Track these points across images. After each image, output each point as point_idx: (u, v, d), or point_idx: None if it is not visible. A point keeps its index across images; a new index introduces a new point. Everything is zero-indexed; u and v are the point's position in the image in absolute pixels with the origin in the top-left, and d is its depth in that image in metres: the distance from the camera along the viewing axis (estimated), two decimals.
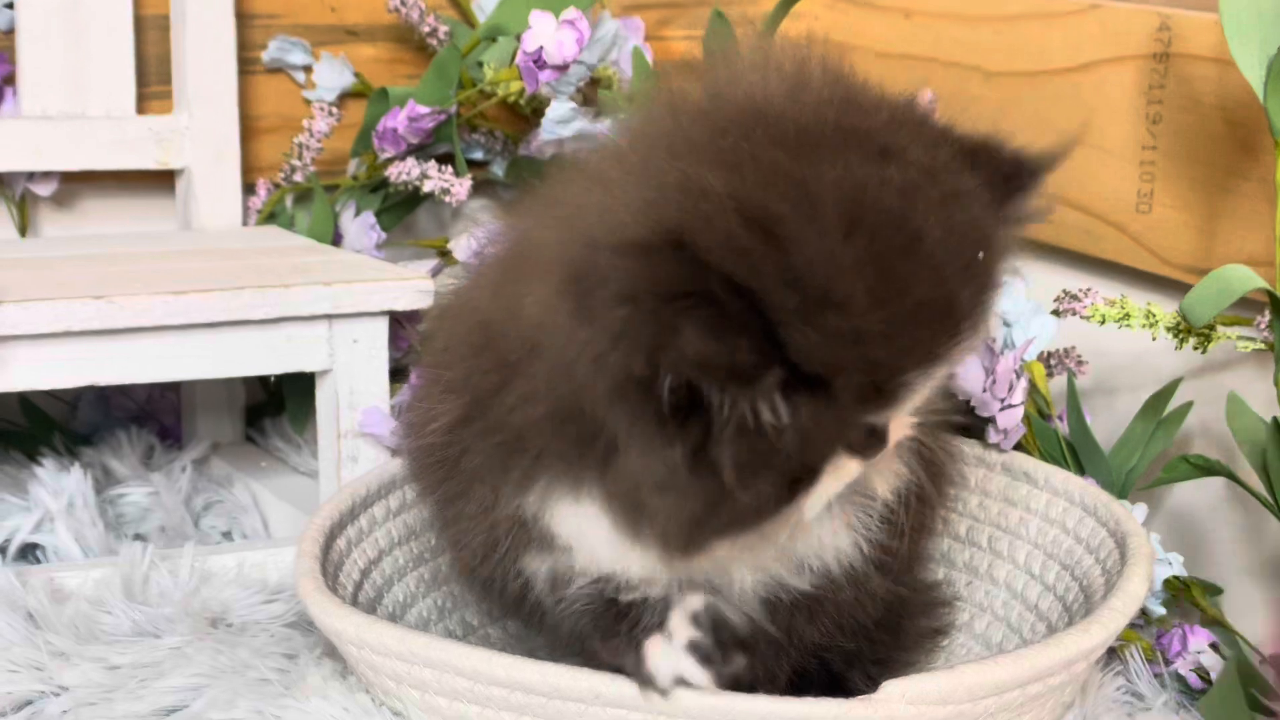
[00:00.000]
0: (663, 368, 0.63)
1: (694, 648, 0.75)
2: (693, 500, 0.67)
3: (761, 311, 0.63)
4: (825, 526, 0.76)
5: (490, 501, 0.76)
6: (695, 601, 0.76)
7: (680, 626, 0.75)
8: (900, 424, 0.73)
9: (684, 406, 0.65)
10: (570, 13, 1.14)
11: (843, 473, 0.71)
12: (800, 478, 0.68)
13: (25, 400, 1.27)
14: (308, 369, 1.07)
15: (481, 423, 0.75)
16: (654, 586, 0.76)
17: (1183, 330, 0.98)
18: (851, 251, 0.64)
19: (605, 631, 0.77)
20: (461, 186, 1.22)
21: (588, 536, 0.74)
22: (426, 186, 1.22)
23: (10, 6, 1.23)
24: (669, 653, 0.74)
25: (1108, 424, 1.08)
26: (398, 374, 1.12)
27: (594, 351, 0.65)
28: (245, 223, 1.30)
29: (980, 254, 0.68)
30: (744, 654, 0.76)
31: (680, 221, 0.64)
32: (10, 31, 1.24)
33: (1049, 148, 0.74)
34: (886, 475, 0.78)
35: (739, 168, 0.66)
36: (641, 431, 0.66)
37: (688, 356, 0.62)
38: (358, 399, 1.07)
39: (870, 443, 0.71)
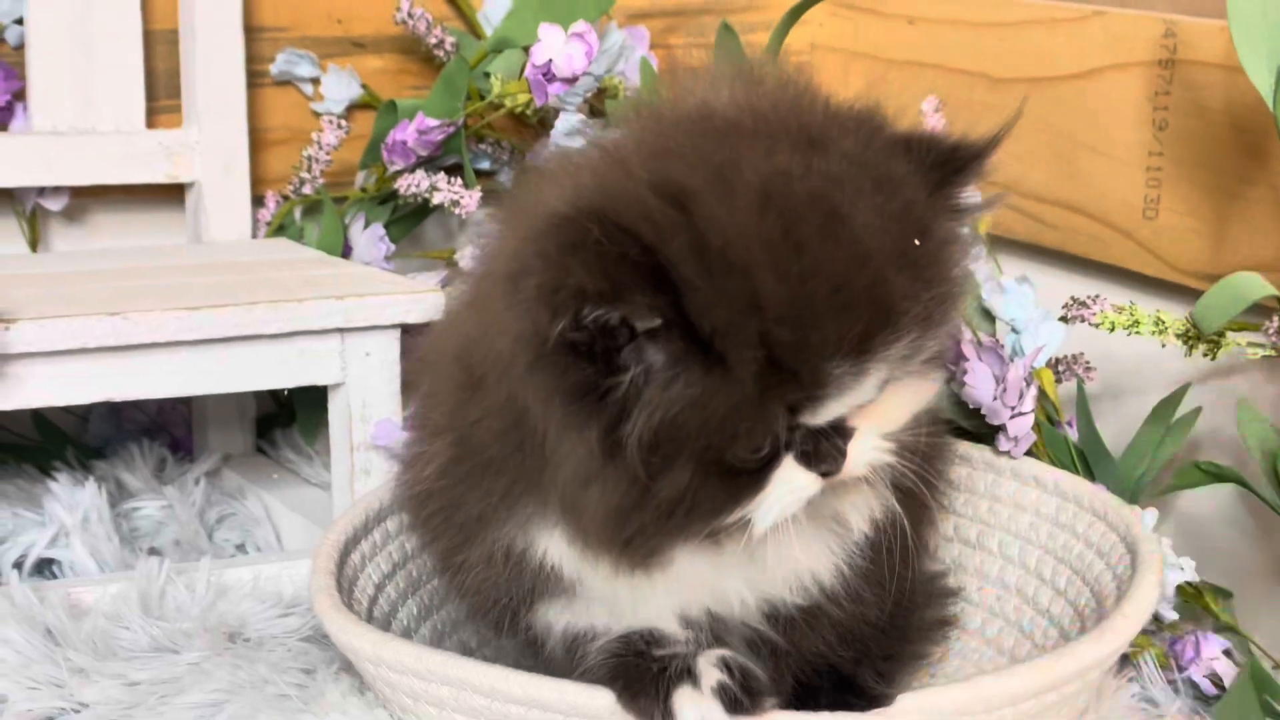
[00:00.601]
0: (557, 313, 0.63)
1: (722, 690, 0.73)
2: (612, 490, 0.67)
3: (661, 265, 0.63)
4: (798, 547, 0.73)
5: (488, 539, 0.75)
6: (720, 650, 0.75)
7: (707, 670, 0.73)
8: (864, 446, 0.70)
9: (585, 353, 0.64)
10: (579, 25, 1.14)
11: (796, 486, 0.69)
12: (731, 472, 0.67)
13: (37, 414, 1.27)
14: (320, 382, 1.07)
15: (468, 453, 0.75)
16: (674, 644, 0.75)
17: (1192, 337, 0.98)
18: (762, 225, 0.64)
19: (628, 682, 0.74)
20: (471, 198, 1.22)
21: (574, 563, 0.74)
22: (436, 199, 1.23)
23: (21, 23, 1.23)
24: (698, 701, 0.72)
25: (1116, 430, 1.08)
26: (409, 386, 1.12)
27: (516, 330, 0.66)
28: (254, 235, 1.30)
29: (916, 240, 0.67)
30: (773, 701, 0.75)
31: (599, 199, 0.66)
32: (20, 47, 1.24)
33: (985, 133, 0.73)
34: (860, 507, 0.76)
35: (666, 155, 0.67)
36: (560, 411, 0.66)
37: (573, 288, 0.62)
38: (370, 412, 1.08)
39: (821, 454, 0.69)
